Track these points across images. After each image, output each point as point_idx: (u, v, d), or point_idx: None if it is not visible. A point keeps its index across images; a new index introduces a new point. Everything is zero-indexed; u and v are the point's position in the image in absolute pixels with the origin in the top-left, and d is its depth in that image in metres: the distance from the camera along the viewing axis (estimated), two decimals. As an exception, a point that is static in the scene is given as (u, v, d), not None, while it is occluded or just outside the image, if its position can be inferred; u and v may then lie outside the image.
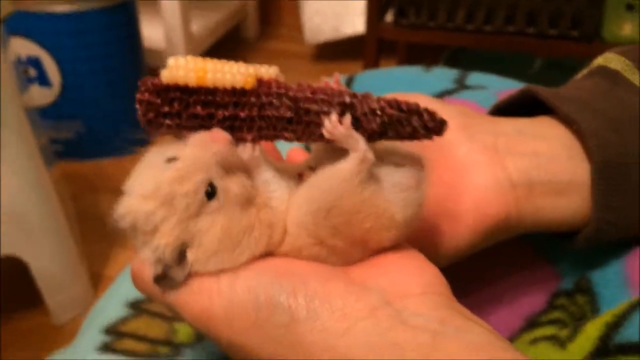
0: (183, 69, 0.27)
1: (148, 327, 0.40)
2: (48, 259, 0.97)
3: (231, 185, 0.27)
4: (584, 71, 0.42)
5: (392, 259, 0.29)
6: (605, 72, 0.40)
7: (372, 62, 1.33)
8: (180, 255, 0.26)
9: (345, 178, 0.27)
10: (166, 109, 0.28)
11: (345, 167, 0.27)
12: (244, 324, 0.26)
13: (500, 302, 0.39)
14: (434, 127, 0.27)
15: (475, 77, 0.55)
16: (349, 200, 0.27)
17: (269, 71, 0.28)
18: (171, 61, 0.28)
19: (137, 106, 0.28)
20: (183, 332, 0.40)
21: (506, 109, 0.41)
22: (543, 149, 0.35)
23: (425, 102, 0.37)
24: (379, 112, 0.27)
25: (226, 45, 2.08)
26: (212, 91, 0.27)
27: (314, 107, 0.27)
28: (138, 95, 0.28)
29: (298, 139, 0.28)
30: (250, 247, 0.27)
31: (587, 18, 1.16)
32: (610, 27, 1.18)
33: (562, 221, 0.35)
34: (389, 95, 0.28)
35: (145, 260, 0.27)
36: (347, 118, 0.27)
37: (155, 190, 0.26)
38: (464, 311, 0.27)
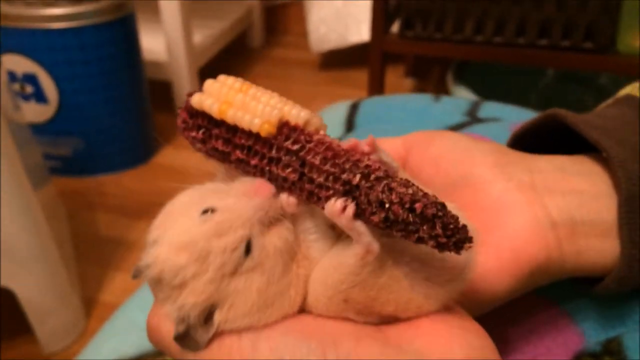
0: (213, 96, 0.26)
1: None
2: (36, 287, 0.94)
3: (272, 240, 0.25)
4: (609, 100, 0.39)
5: (431, 317, 0.26)
6: (633, 102, 0.37)
7: (377, 74, 1.30)
8: (207, 317, 0.24)
9: (351, 272, 0.24)
10: (193, 134, 0.27)
11: (348, 262, 0.24)
12: None
13: None
14: (447, 243, 0.23)
15: (489, 108, 0.51)
16: (362, 292, 0.25)
17: (299, 115, 0.26)
18: (207, 84, 0.26)
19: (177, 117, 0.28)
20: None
21: (526, 136, 0.38)
22: (585, 187, 0.33)
23: (456, 139, 0.35)
24: (386, 206, 0.23)
25: (231, 53, 2.06)
26: (234, 129, 0.26)
27: (318, 178, 0.24)
28: (178, 109, 0.27)
29: (306, 202, 0.26)
30: (284, 307, 0.25)
31: (601, 29, 1.13)
32: (625, 39, 1.15)
33: (607, 265, 0.32)
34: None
35: (165, 314, 0.25)
36: (350, 209, 0.23)
37: (190, 243, 0.24)
38: None
